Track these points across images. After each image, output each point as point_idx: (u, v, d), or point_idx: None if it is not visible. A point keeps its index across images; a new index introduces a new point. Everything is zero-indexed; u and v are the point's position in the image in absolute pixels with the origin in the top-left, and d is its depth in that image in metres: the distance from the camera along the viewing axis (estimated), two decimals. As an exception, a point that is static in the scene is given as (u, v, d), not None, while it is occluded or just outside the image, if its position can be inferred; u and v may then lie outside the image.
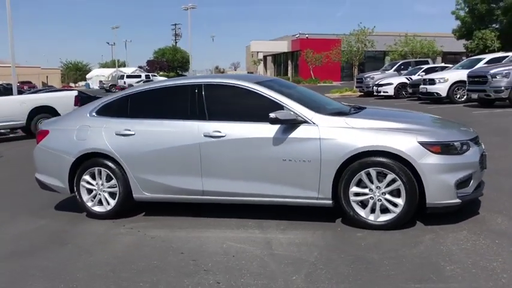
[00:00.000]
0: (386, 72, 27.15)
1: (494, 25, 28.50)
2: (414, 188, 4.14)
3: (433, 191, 4.12)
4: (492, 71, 15.20)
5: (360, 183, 4.32)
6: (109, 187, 5.07)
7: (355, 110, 5.01)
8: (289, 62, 66.06)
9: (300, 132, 4.41)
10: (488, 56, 18.90)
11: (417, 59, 28.75)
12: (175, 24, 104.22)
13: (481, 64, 18.22)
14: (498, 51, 26.06)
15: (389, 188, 4.22)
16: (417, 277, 3.30)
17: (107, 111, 5.19)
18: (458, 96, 17.93)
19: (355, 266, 3.54)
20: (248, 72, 75.41)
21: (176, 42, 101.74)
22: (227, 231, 4.54)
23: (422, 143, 4.15)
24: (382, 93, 24.10)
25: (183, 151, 4.73)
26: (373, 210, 4.31)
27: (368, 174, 4.26)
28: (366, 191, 4.30)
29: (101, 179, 5.08)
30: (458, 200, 4.18)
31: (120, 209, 5.08)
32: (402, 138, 4.20)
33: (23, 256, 4.16)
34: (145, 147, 4.86)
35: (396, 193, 4.23)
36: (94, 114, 5.22)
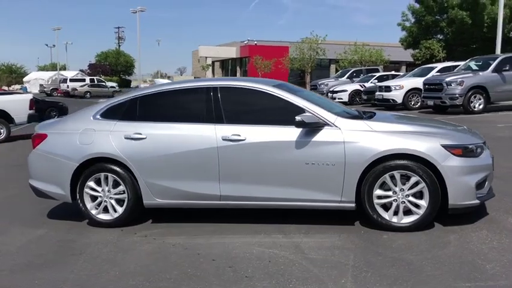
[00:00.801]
0: (340, 79, 27.92)
1: (439, 36, 30.05)
2: (437, 190, 4.25)
3: (455, 193, 4.24)
4: (447, 79, 16.00)
5: (382, 186, 4.37)
6: (116, 194, 4.83)
7: (367, 114, 5.08)
8: (238, 68, 66.33)
9: (323, 135, 4.41)
10: (440, 65, 19.89)
11: (368, 67, 29.72)
12: (118, 27, 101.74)
13: (433, 73, 19.15)
14: (443, 60, 27.54)
15: (413, 190, 4.31)
16: (463, 276, 3.38)
17: (113, 114, 4.95)
18: (412, 103, 18.72)
19: (397, 268, 3.57)
20: (195, 78, 74.83)
21: (119, 46, 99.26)
22: (248, 236, 4.45)
23: (445, 146, 4.27)
24: (337, 100, 24.70)
25: (200, 155, 4.59)
26: (395, 213, 4.38)
27: (392, 177, 4.33)
28: (390, 193, 4.36)
29: (107, 185, 4.83)
30: (477, 201, 4.34)
31: (128, 217, 4.85)
32: (426, 142, 4.30)
33: (42, 268, 3.86)
34: (159, 151, 4.67)
35: (419, 195, 4.32)
36: (98, 117, 4.96)
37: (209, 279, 3.51)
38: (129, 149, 4.72)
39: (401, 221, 4.36)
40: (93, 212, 4.90)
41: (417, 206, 4.33)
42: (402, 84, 18.98)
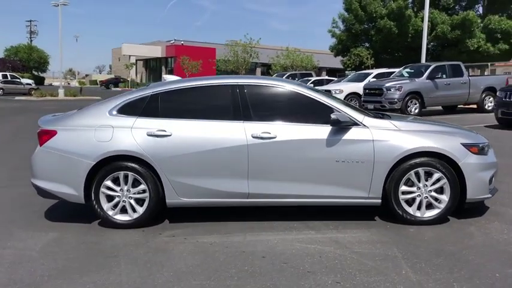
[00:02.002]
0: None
1: (367, 44, 31.72)
2: (457, 185, 4.57)
3: (473, 187, 4.60)
4: (387, 85, 17.01)
5: (407, 182, 4.61)
6: (136, 193, 4.63)
7: (381, 114, 5.31)
8: (163, 68, 65.18)
9: (353, 134, 4.56)
10: (375, 71, 21.06)
11: (302, 72, 30.62)
12: (30, 21, 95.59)
13: (369, 78, 20.24)
14: (372, 67, 29.13)
15: (435, 186, 4.59)
16: (507, 264, 3.68)
17: (131, 110, 4.74)
18: (352, 107, 19.58)
19: (445, 258, 3.80)
20: (115, 77, 72.02)
21: (31, 41, 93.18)
22: (281, 233, 4.48)
23: (464, 145, 4.61)
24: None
25: (230, 153, 4.55)
26: (418, 207, 4.64)
27: (416, 174, 4.58)
28: (414, 189, 4.61)
29: (126, 184, 4.62)
30: (490, 195, 4.74)
31: (149, 217, 4.67)
32: (448, 140, 4.61)
33: (85, 272, 3.61)
34: (185, 149, 4.55)
35: (439, 190, 4.62)
36: (115, 113, 4.72)
37: (272, 275, 3.51)
38: (153, 146, 4.55)
39: (424, 215, 4.63)
40: (110, 213, 4.65)
41: (439, 200, 4.62)
42: (342, 89, 19.84)
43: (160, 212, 4.79)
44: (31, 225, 4.82)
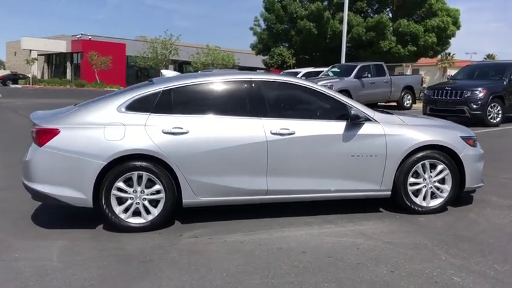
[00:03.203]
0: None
1: (286, 43, 32.49)
2: (458, 176, 4.93)
3: (470, 177, 4.98)
4: (319, 83, 17.59)
5: (414, 174, 4.88)
6: (150, 194, 4.40)
7: (385, 111, 5.53)
8: (69, 64, 61.48)
9: (367, 129, 4.73)
10: (304, 70, 21.71)
11: (228, 69, 30.65)
12: None
13: (299, 77, 20.82)
14: (293, 67, 29.97)
15: (439, 177, 4.91)
16: (524, 244, 4.06)
17: (142, 106, 4.48)
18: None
19: (469, 243, 4.08)
20: (12, 72, 66.57)
21: None
22: (304, 228, 4.51)
23: (462, 138, 4.98)
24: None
25: (249, 150, 4.49)
26: (424, 198, 4.92)
27: (423, 166, 4.86)
28: (420, 180, 4.89)
29: (139, 185, 4.36)
30: (482, 184, 5.16)
31: (164, 219, 4.46)
32: (450, 134, 4.95)
33: (132, 280, 3.36)
34: (203, 146, 4.41)
35: (442, 181, 4.94)
36: (123, 109, 4.44)
37: (328, 269, 3.53)
38: (169, 144, 4.35)
39: (429, 205, 4.92)
40: (122, 216, 4.37)
41: (440, 190, 4.94)
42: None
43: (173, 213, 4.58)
44: (26, 233, 4.38)
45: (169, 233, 4.37)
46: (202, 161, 4.41)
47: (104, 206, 4.31)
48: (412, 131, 4.84)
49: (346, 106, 4.76)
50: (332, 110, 4.78)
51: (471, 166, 4.97)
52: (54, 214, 5.00)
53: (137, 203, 4.38)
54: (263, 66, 34.63)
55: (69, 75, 58.28)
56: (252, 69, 45.51)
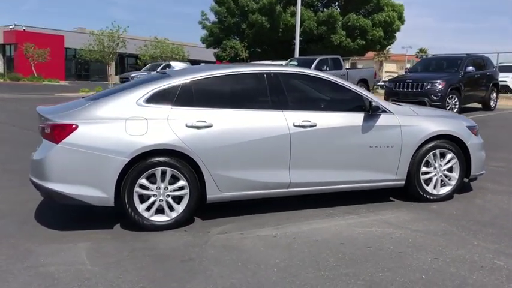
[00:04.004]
0: (152, 73, 27.54)
1: (238, 37, 32.33)
2: (464, 164, 5.13)
3: (475, 165, 5.20)
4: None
5: (425, 163, 5.02)
6: (174, 190, 4.24)
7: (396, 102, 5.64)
8: (1, 56, 57.90)
9: (384, 120, 4.80)
10: (264, 63, 21.70)
11: (179, 62, 30.12)
12: None
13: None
14: (247, 60, 29.97)
15: (448, 166, 5.08)
16: (541, 227, 4.29)
17: (163, 99, 4.29)
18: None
19: (492, 227, 4.25)
20: None
21: None
22: (329, 220, 4.52)
23: (468, 127, 5.19)
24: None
25: (272, 142, 4.43)
26: (434, 186, 5.09)
27: (434, 155, 5.02)
28: (431, 169, 5.04)
29: (162, 181, 4.20)
30: (484, 171, 5.40)
31: (188, 216, 4.33)
32: (458, 124, 5.14)
33: (182, 280, 3.22)
34: (227, 140, 4.31)
35: (450, 169, 5.12)
36: (144, 103, 4.24)
37: (374, 259, 3.56)
38: (194, 138, 4.21)
39: (440, 192, 5.09)
40: (146, 214, 4.18)
41: (448, 177, 5.12)
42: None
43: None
44: (38, 236, 4.09)
45: (196, 230, 4.24)
46: (227, 155, 4.30)
47: (127, 205, 4.11)
48: (425, 121, 4.98)
49: (363, 97, 4.81)
50: (350, 101, 4.81)
51: (476, 154, 5.18)
52: (57, 215, 4.74)
53: (160, 200, 4.21)
54: (214, 60, 34.33)
55: (1, 69, 54.89)
56: (203, 62, 45.09)
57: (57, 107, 4.55)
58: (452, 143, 5.05)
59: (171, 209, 4.25)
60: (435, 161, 5.02)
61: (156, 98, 4.27)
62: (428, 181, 5.04)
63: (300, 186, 4.61)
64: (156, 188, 4.18)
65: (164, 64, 28.68)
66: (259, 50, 32.64)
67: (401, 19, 32.42)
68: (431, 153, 4.98)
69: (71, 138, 3.99)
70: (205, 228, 4.28)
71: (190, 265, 3.49)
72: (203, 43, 34.35)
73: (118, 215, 4.34)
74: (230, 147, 4.30)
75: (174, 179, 4.22)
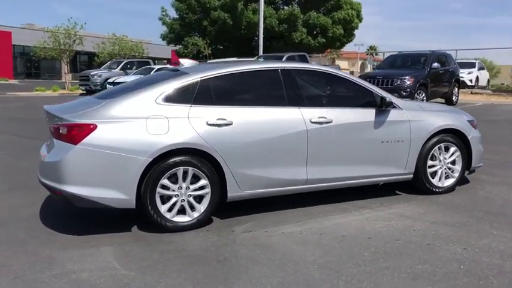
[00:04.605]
0: (113, 70, 26.85)
1: (199, 34, 31.96)
2: (466, 157, 5.32)
3: (475, 157, 5.40)
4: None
5: (431, 157, 5.16)
6: (195, 190, 4.16)
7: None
8: None
9: (394, 115, 4.90)
10: (232, 60, 21.62)
11: (140, 59, 29.47)
12: None
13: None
14: (210, 57, 29.70)
15: (451, 159, 5.25)
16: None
17: (181, 97, 4.19)
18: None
19: (504, 218, 4.42)
20: None
21: None
22: (346, 215, 4.54)
23: (469, 121, 5.38)
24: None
25: (290, 139, 4.43)
26: (439, 179, 5.24)
27: (439, 148, 5.17)
28: (436, 162, 5.19)
29: (184, 181, 4.11)
30: (481, 164, 5.62)
31: (210, 215, 4.26)
32: (460, 118, 5.32)
33: (226, 281, 3.15)
34: (247, 138, 4.27)
35: (453, 162, 5.29)
36: (162, 101, 4.13)
37: (407, 252, 3.61)
38: (215, 136, 4.14)
39: (444, 185, 5.25)
40: (168, 215, 4.08)
41: (451, 170, 5.29)
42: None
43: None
44: (53, 242, 3.89)
45: (218, 230, 4.17)
46: (247, 153, 4.26)
47: (149, 207, 3.98)
48: (431, 116, 5.12)
49: (374, 93, 4.88)
50: (362, 97, 4.88)
51: (476, 147, 5.38)
52: (62, 219, 4.58)
53: (182, 200, 4.11)
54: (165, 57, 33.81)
55: None
56: (164, 60, 44.31)
57: (67, 105, 4.36)
58: (455, 136, 5.22)
59: (192, 209, 4.16)
60: (440, 155, 5.17)
61: (175, 96, 4.17)
62: (433, 174, 5.19)
63: (317, 182, 4.63)
64: (178, 188, 4.08)
65: (126, 61, 27.97)
66: (221, 47, 32.47)
67: (359, 17, 33.17)
68: (436, 147, 5.12)
69: (90, 138, 3.82)
70: (227, 228, 4.22)
71: (228, 265, 3.43)
72: (163, 40, 33.78)
73: (123, 216, 4.24)
74: (250, 144, 4.26)
75: (195, 178, 4.13)
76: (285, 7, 31.82)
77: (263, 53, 24.98)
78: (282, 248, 3.75)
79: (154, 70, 25.08)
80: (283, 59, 18.73)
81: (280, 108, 4.46)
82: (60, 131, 3.91)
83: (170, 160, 4.00)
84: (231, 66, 4.58)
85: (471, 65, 23.80)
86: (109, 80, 24.59)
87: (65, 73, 32.18)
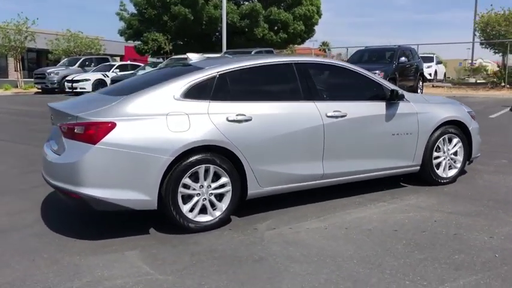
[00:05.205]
0: (70, 68, 25.87)
1: (159, 29, 31.16)
2: (467, 147, 5.45)
3: (475, 148, 5.54)
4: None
5: (436, 149, 5.25)
6: (216, 188, 4.04)
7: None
8: None
9: (403, 108, 4.94)
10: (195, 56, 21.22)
11: (98, 57, 28.53)
12: None
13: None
14: (171, 53, 29.18)
15: (454, 149, 5.37)
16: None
17: (199, 93, 4.05)
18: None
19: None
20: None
21: None
22: (362, 208, 4.54)
23: (468, 113, 5.52)
24: (79, 90, 23.00)
25: (308, 134, 4.38)
26: (443, 169, 5.34)
27: (443, 140, 5.27)
28: (440, 154, 5.29)
29: (205, 179, 3.98)
30: (479, 154, 5.78)
31: (230, 213, 4.15)
32: (461, 110, 5.44)
33: (282, 281, 3.08)
34: (266, 133, 4.18)
35: (455, 153, 5.41)
36: (181, 97, 3.97)
37: (438, 243, 3.64)
38: (236, 133, 4.03)
39: (448, 175, 5.36)
40: (190, 215, 3.94)
41: (454, 161, 5.41)
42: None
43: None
44: (71, 248, 3.67)
45: (240, 228, 4.07)
46: (266, 149, 4.17)
47: (171, 207, 3.82)
48: (435, 108, 5.21)
49: (384, 86, 4.91)
50: (373, 90, 4.89)
51: (475, 138, 5.53)
52: (70, 223, 4.35)
53: (204, 199, 3.98)
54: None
55: None
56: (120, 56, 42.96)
57: (75, 103, 4.13)
58: (457, 128, 5.33)
59: (213, 207, 4.03)
60: (444, 146, 5.27)
61: (193, 92, 4.01)
62: (438, 165, 5.28)
63: (332, 177, 4.60)
64: (200, 186, 3.93)
65: (83, 59, 26.99)
66: (181, 43, 31.92)
67: (318, 13, 33.49)
68: (441, 139, 5.21)
69: (109, 137, 3.61)
70: (249, 226, 4.12)
71: (267, 264, 3.34)
72: (121, 36, 32.84)
73: (132, 217, 4.06)
74: (269, 140, 4.17)
75: (215, 176, 4.00)
76: (246, 2, 31.64)
77: (226, 49, 24.78)
78: (313, 244, 3.69)
79: (115, 68, 24.42)
80: (252, 53, 18.64)
81: (296, 102, 4.39)
82: (76, 130, 3.67)
83: (192, 158, 3.85)
84: (245, 60, 4.47)
85: (430, 59, 24.62)
86: (67, 78, 23.67)
87: (16, 71, 30.67)
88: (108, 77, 23.36)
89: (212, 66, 4.25)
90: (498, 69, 25.38)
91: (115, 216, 4.26)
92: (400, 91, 4.85)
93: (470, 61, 34.44)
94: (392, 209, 4.53)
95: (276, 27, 31.37)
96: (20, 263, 3.42)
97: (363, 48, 17.97)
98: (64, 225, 4.21)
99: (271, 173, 4.22)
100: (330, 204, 4.67)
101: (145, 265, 3.36)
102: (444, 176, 5.31)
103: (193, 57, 4.85)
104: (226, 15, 26.72)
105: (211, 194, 4.00)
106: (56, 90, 24.46)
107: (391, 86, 4.96)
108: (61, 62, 28.28)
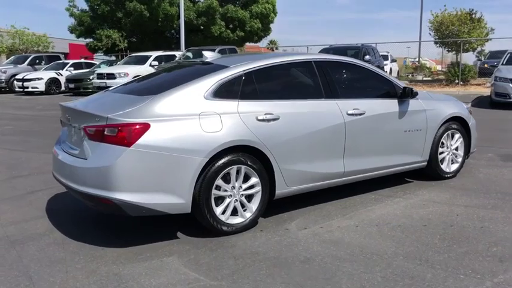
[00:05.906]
0: (19, 66, 24.54)
1: (110, 26, 30.07)
2: (467, 142, 5.65)
3: (473, 143, 5.75)
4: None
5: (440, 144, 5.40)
6: (246, 189, 3.96)
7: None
8: None
9: (413, 105, 5.04)
10: (154, 54, 20.76)
11: (49, 54, 27.26)
12: None
13: (150, 61, 19.91)
14: (125, 51, 28.37)
15: (456, 145, 5.54)
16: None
17: (228, 92, 3.93)
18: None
19: (521, 197, 4.79)
20: None
21: None
22: (381, 204, 4.58)
23: (468, 109, 5.71)
24: (30, 89, 21.91)
25: (331, 132, 4.37)
26: (447, 164, 5.50)
27: (447, 136, 5.43)
28: (444, 149, 5.45)
29: (236, 180, 3.89)
30: (476, 149, 6.01)
31: (260, 214, 4.07)
32: (462, 106, 5.62)
33: (331, 281, 3.04)
34: (293, 132, 4.13)
35: (456, 148, 5.59)
36: (210, 96, 3.85)
37: (471, 236, 3.72)
38: (265, 132, 3.96)
39: (451, 170, 5.53)
40: (223, 218, 3.83)
41: (455, 155, 5.58)
42: (127, 72, 18.90)
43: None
44: (103, 257, 3.48)
45: (271, 229, 4.00)
46: (293, 148, 4.13)
47: (205, 210, 3.70)
48: (440, 105, 5.35)
49: (394, 84, 4.99)
50: (383, 88, 4.94)
51: (474, 133, 5.73)
52: (86, 230, 4.12)
53: (235, 201, 3.88)
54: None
55: None
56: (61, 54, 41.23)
57: (96, 104, 3.89)
58: (459, 123, 5.50)
59: (245, 208, 3.94)
60: (447, 141, 5.43)
61: (222, 91, 3.90)
62: (442, 160, 5.43)
63: (352, 174, 4.62)
64: (231, 187, 3.83)
65: (33, 56, 25.73)
66: (135, 40, 31.10)
67: (274, 11, 33.65)
68: (445, 134, 5.36)
69: (144, 139, 3.44)
70: (278, 226, 4.06)
71: (315, 265, 3.29)
72: (71, 33, 31.52)
73: (145, 221, 3.91)
74: (295, 139, 4.13)
75: (246, 177, 3.92)
76: (202, 0, 31.28)
77: (185, 46, 24.44)
78: (352, 242, 3.68)
79: (69, 65, 23.44)
80: (216, 51, 18.45)
81: (318, 100, 4.37)
82: (106, 132, 3.46)
83: (225, 159, 3.74)
84: (266, 58, 4.39)
85: (385, 58, 25.31)
86: (17, 77, 22.46)
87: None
88: (62, 75, 22.43)
89: (237, 65, 4.14)
90: (448, 66, 26.47)
91: (130, 220, 4.07)
92: (414, 89, 4.94)
93: (412, 59, 35.74)
94: (412, 204, 4.61)
95: (232, 25, 31.25)
96: (53, 275, 3.20)
97: (328, 46, 18.22)
98: (81, 232, 3.98)
99: (297, 172, 4.17)
100: (348, 202, 4.68)
101: (191, 271, 3.22)
102: (448, 170, 5.47)
103: (209, 55, 4.71)
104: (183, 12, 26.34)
105: (242, 195, 3.90)
106: (4, 89, 23.17)
107: (401, 83, 5.04)
108: (7, 59, 26.75)
